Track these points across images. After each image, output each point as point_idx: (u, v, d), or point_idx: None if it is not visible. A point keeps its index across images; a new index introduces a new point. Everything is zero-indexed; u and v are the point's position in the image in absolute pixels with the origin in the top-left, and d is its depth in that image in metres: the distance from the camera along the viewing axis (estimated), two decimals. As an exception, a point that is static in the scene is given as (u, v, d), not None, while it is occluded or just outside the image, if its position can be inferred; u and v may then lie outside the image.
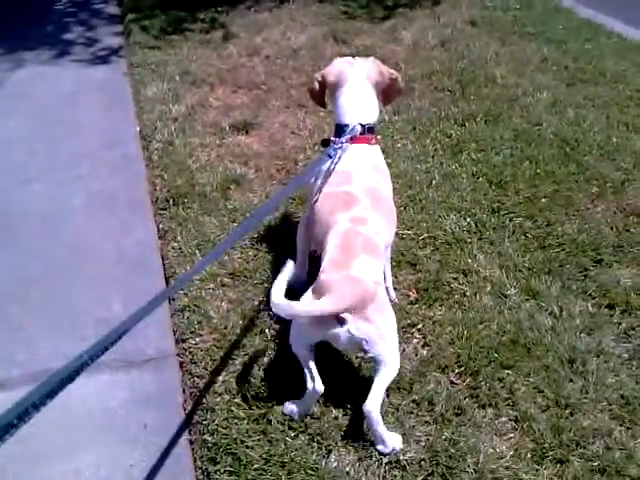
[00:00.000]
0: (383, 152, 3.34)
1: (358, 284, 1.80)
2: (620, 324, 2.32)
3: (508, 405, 2.01)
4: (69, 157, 3.52)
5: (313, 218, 2.15)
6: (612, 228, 2.81)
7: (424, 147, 3.48)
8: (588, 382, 2.08)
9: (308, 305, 1.79)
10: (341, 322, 1.76)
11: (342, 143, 2.15)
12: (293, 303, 1.72)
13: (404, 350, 2.21)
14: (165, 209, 3.03)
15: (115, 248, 2.83)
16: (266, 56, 4.66)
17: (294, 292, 1.86)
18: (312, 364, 1.90)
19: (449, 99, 4.01)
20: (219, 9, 5.50)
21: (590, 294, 2.44)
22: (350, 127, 2.19)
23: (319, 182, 2.17)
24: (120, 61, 4.79)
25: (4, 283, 2.61)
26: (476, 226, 2.82)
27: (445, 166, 3.29)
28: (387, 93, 2.38)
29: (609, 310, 2.38)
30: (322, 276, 1.86)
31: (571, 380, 2.09)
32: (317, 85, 2.35)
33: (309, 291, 1.88)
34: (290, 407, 1.98)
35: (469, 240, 2.73)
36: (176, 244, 2.75)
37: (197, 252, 2.67)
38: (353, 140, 2.18)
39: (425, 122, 3.72)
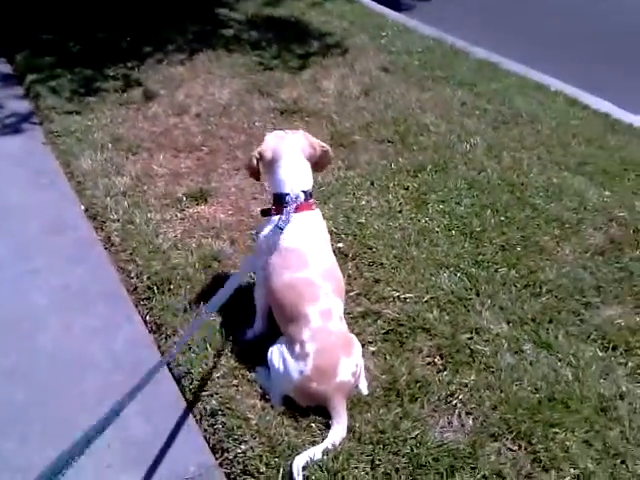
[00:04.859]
0: (351, 210, 3.47)
1: (347, 388, 2.20)
2: (627, 364, 2.52)
3: (567, 463, 2.09)
4: (13, 248, 3.14)
5: (278, 303, 2.28)
6: (585, 269, 3.05)
7: (388, 202, 3.55)
8: (625, 427, 2.23)
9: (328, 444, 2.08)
10: None
11: (290, 213, 2.30)
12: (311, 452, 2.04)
13: (450, 423, 2.24)
14: (149, 299, 2.81)
15: (106, 353, 2.56)
16: (196, 114, 4.51)
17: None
18: None
19: (393, 150, 4.14)
20: (128, 64, 5.23)
21: (593, 338, 2.62)
22: (292, 195, 2.34)
23: (273, 258, 2.30)
24: (35, 129, 4.37)
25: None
26: (469, 281, 2.92)
27: (416, 221, 3.38)
28: (318, 163, 2.54)
29: (613, 352, 2.57)
30: (314, 385, 2.13)
31: (610, 428, 2.23)
32: (255, 162, 2.46)
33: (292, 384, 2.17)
34: None
35: (469, 297, 2.82)
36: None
37: (208, 346, 2.50)
38: (298, 208, 2.33)
39: (380, 176, 3.80)
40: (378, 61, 5.65)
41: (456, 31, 6.61)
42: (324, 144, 2.53)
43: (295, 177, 2.38)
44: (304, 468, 2.00)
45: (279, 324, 2.33)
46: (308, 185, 2.41)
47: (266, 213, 2.43)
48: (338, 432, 2.10)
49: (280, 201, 2.36)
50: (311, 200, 2.41)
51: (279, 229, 2.27)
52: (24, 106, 4.68)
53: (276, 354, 2.24)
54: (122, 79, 5.00)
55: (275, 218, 2.34)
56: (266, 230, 2.37)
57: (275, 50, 5.79)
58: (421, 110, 4.70)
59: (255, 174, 2.52)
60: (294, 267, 2.27)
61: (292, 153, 2.42)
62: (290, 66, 5.45)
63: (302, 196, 2.35)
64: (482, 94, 5.05)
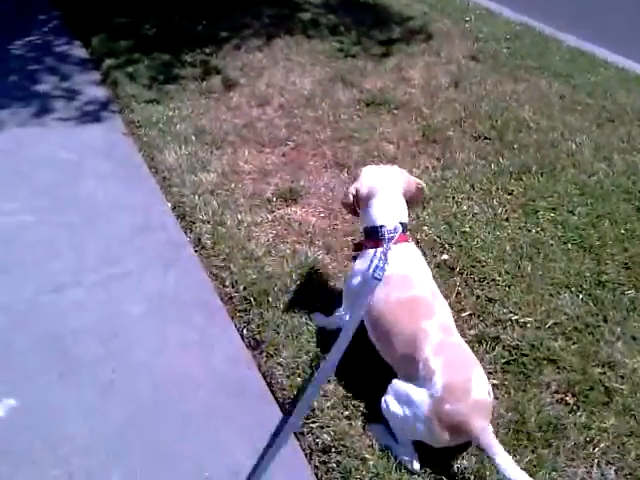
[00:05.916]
0: (452, 217, 3.21)
1: (486, 408, 1.91)
2: None
3: None
4: (103, 248, 3.02)
5: (389, 325, 2.09)
6: None
7: (493, 208, 3.27)
8: None
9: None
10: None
11: (389, 247, 2.16)
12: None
13: (589, 473, 2.00)
14: (246, 311, 2.64)
15: (206, 370, 2.41)
16: (279, 105, 4.30)
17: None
18: None
19: (491, 148, 3.83)
20: (205, 50, 5.05)
21: None
22: (388, 227, 2.21)
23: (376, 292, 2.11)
24: (115, 117, 4.24)
25: (86, 437, 2.14)
26: (594, 304, 2.64)
27: (525, 231, 3.10)
28: (412, 200, 2.41)
29: None
30: (447, 407, 1.85)
31: None
32: (352, 198, 2.33)
33: (426, 410, 1.88)
34: None
35: (597, 324, 2.55)
36: (282, 359, 2.38)
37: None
38: (396, 240, 2.20)
39: (481, 178, 3.52)
40: (465, 48, 5.31)
41: (534, 12, 6.18)
42: (419, 180, 2.43)
43: (392, 210, 2.27)
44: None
45: (388, 357, 2.12)
46: (405, 217, 2.30)
47: (359, 247, 2.33)
48: (507, 462, 1.79)
49: (375, 234, 2.23)
50: (407, 232, 2.30)
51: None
52: (102, 93, 4.56)
53: (392, 400, 1.98)
54: (200, 66, 4.82)
55: (370, 251, 2.21)
56: (363, 264, 2.22)
57: (355, 35, 5.50)
58: (517, 103, 4.37)
59: (352, 209, 2.40)
60: (402, 289, 2.12)
61: (388, 187, 2.31)
62: (372, 53, 5.17)
63: (400, 227, 2.23)
64: (581, 87, 4.67)
